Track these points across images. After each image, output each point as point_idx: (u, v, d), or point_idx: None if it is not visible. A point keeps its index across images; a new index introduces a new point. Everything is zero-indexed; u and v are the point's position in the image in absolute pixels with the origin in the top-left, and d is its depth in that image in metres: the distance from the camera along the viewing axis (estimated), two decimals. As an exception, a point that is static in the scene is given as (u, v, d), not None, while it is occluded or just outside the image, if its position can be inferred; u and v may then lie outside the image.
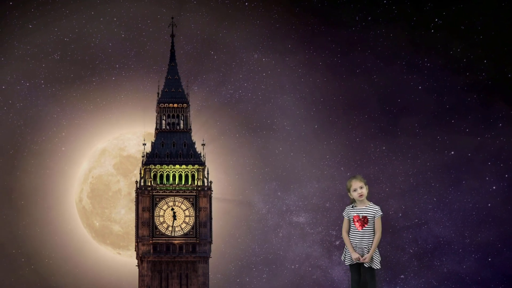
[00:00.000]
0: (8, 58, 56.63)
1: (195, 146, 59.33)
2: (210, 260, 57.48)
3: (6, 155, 57.53)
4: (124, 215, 64.08)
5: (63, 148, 58.93)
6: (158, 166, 58.17)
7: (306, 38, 58.28)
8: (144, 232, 56.96)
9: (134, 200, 58.42)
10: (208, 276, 57.13)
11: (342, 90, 58.79)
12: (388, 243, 54.62)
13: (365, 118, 58.12)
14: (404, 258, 55.81)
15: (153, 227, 57.05)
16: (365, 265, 10.87)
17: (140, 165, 58.15)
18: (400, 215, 55.95)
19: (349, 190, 10.62)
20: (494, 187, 53.53)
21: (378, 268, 10.95)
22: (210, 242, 57.46)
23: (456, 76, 55.06)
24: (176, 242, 57.15)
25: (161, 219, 57.15)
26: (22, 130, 57.66)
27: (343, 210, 10.83)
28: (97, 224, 63.68)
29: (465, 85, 54.78)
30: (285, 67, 60.23)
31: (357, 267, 10.91)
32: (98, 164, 64.52)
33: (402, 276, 54.89)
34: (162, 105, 60.35)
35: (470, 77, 54.49)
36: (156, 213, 57.16)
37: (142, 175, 58.00)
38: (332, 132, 58.65)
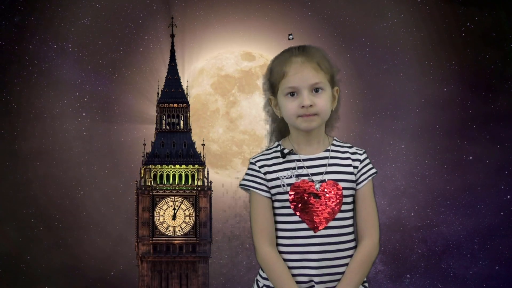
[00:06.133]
0: (38, 19, 56.42)
1: (195, 146, 59.33)
2: (215, 241, 57.63)
3: (27, 116, 57.28)
4: (222, 134, 63.58)
5: (83, 114, 58.74)
6: (158, 166, 58.15)
7: (336, 29, 58.20)
8: (144, 232, 56.92)
9: (135, 200, 58.42)
10: (208, 276, 57.12)
11: (367, 84, 58.70)
12: (397, 242, 54.59)
13: (387, 115, 57.95)
14: (412, 258, 55.71)
15: (153, 227, 57.02)
16: None
17: (236, 84, 57.93)
18: (412, 214, 55.84)
19: None
20: (508, 196, 53.42)
21: None
22: (210, 242, 57.43)
23: (482, 82, 55.05)
24: (176, 242, 57.12)
25: (161, 219, 57.13)
26: (44, 92, 57.44)
27: None
28: (195, 143, 62.93)
29: (490, 92, 54.73)
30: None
31: None
32: (196, 84, 64.14)
33: (408, 276, 54.79)
34: (162, 105, 60.33)
35: (496, 84, 54.50)
36: (156, 213, 57.15)
37: (142, 175, 57.99)
38: (353, 125, 58.40)
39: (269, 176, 2.36)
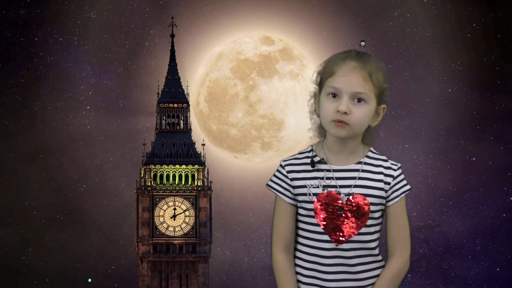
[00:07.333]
0: (44, 11, 56.31)
1: (195, 146, 59.32)
2: (218, 236, 57.60)
3: (31, 108, 57.02)
4: (241, 118, 63.13)
5: (87, 107, 58.55)
6: (158, 166, 58.12)
7: (342, 28, 58.30)
8: (144, 232, 56.89)
9: (135, 200, 58.40)
10: (208, 276, 57.10)
11: (372, 83, 58.99)
12: (399, 241, 54.70)
13: (391, 114, 57.51)
14: (413, 258, 55.33)
15: (153, 227, 56.99)
16: None
17: (255, 68, 58.01)
18: (414, 214, 55.70)
19: None
20: (511, 198, 53.44)
21: None
22: (210, 242, 57.43)
23: (487, 82, 55.10)
24: (176, 242, 57.10)
25: (161, 219, 57.09)
26: (49, 84, 57.29)
27: None
28: (214, 127, 62.60)
29: (494, 93, 54.78)
30: (318, 55, 60.30)
31: None
32: (215, 68, 63.79)
33: (409, 276, 54.80)
34: (162, 105, 60.32)
35: (501, 85, 54.55)
36: (156, 213, 57.12)
37: (142, 175, 57.96)
38: (355, 124, 58.54)
39: (295, 183, 2.29)
